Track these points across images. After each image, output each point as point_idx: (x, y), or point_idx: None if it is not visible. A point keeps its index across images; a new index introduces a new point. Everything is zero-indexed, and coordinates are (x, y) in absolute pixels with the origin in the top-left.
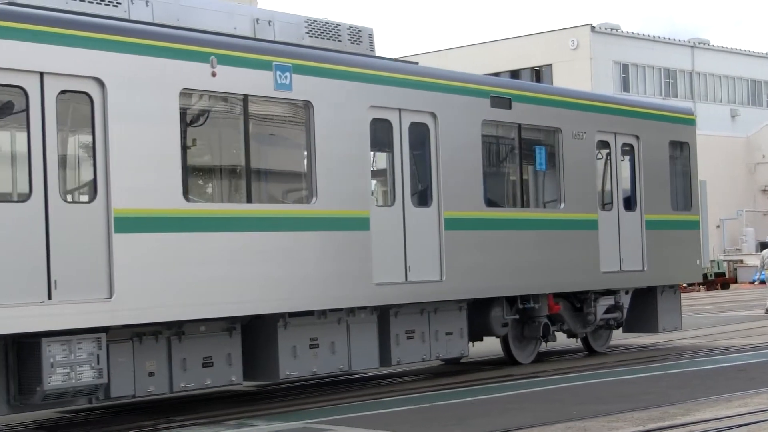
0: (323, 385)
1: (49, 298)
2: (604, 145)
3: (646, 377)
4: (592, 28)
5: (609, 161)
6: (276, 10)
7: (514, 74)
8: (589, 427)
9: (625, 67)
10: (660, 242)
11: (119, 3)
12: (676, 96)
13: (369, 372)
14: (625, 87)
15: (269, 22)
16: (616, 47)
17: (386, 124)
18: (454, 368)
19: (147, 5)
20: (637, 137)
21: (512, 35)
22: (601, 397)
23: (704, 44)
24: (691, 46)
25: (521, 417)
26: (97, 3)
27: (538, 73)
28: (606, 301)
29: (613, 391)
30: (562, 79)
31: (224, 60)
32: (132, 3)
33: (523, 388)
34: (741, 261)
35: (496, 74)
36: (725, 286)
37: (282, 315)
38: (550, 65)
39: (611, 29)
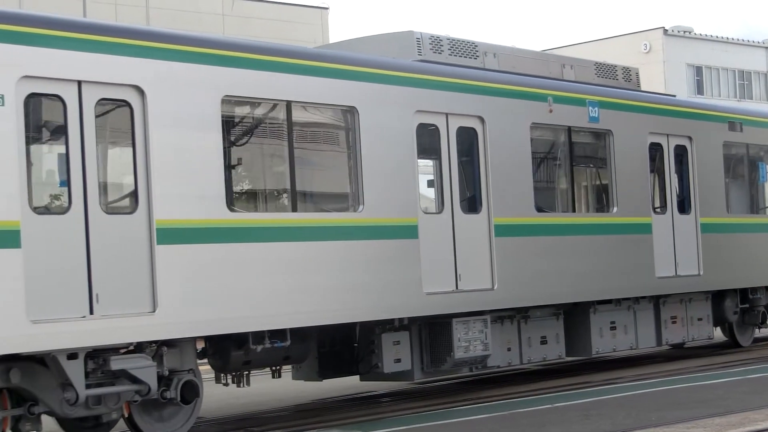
0: (400, 393)
1: (456, 288)
2: None
3: (725, 382)
4: (665, 31)
5: None
6: (569, 56)
7: None
8: None
9: (698, 70)
10: None
11: (477, 56)
12: (751, 98)
13: (442, 381)
14: (699, 90)
15: (571, 66)
16: (689, 50)
17: (659, 147)
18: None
19: (494, 57)
20: None
21: (585, 39)
22: (680, 403)
23: None
24: (766, 47)
25: (599, 424)
26: (463, 57)
27: None
28: None
29: (693, 396)
30: None
31: (556, 99)
32: (485, 56)
33: (602, 395)
34: None
35: None
36: None
37: (592, 303)
38: None
39: (684, 32)
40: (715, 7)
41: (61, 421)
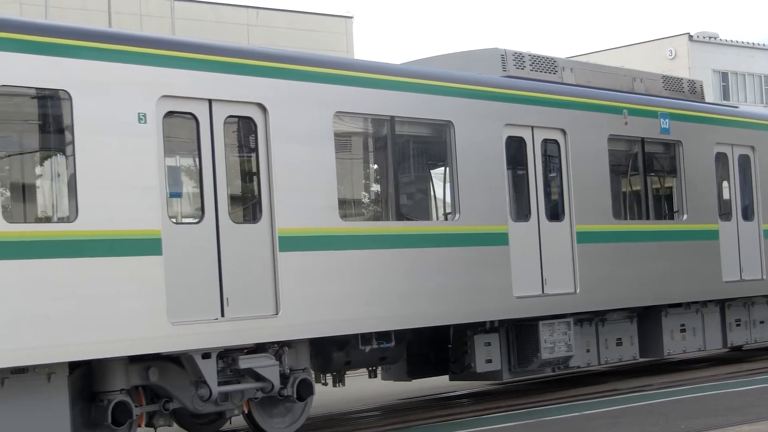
0: (430, 401)
1: (542, 292)
2: None
3: (756, 389)
4: (690, 37)
5: None
6: (639, 69)
7: None
8: None
9: (724, 76)
10: None
11: (556, 71)
12: None
13: (471, 389)
14: (725, 96)
15: (641, 80)
16: (714, 56)
17: (724, 156)
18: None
19: (571, 72)
20: None
21: (610, 46)
22: (709, 410)
23: None
24: None
25: (628, 431)
26: (544, 72)
27: None
28: None
29: (722, 403)
30: None
31: (631, 112)
32: (563, 70)
33: (629, 402)
34: None
35: None
36: None
37: (664, 306)
38: None
39: (709, 37)
40: (740, 12)
41: (177, 416)
